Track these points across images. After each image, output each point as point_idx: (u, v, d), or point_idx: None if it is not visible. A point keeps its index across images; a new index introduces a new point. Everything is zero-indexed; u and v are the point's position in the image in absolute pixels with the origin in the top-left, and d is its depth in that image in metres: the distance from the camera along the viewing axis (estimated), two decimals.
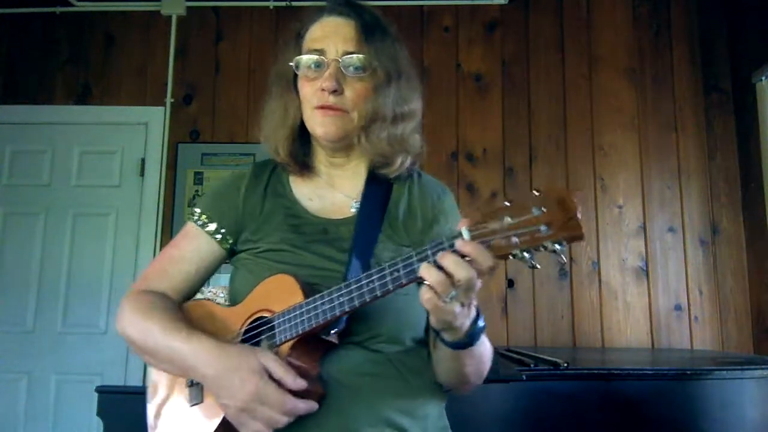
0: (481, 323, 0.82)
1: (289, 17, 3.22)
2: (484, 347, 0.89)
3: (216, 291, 2.01)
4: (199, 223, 1.04)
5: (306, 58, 0.98)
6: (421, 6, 3.19)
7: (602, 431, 1.69)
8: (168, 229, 3.05)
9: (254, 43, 3.22)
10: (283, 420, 0.82)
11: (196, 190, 3.09)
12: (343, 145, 1.01)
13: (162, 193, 3.10)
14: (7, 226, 3.12)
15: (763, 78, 2.73)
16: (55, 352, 2.99)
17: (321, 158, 1.05)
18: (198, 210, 1.05)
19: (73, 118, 3.18)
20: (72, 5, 3.24)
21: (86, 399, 2.78)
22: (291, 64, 1.00)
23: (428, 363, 0.96)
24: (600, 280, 2.93)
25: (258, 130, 1.07)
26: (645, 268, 2.93)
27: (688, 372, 1.74)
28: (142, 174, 3.13)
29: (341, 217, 1.00)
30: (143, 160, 3.14)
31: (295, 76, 1.01)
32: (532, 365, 1.80)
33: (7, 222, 3.13)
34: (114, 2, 3.25)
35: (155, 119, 3.15)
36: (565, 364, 1.73)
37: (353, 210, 1.00)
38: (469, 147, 3.06)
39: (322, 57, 0.96)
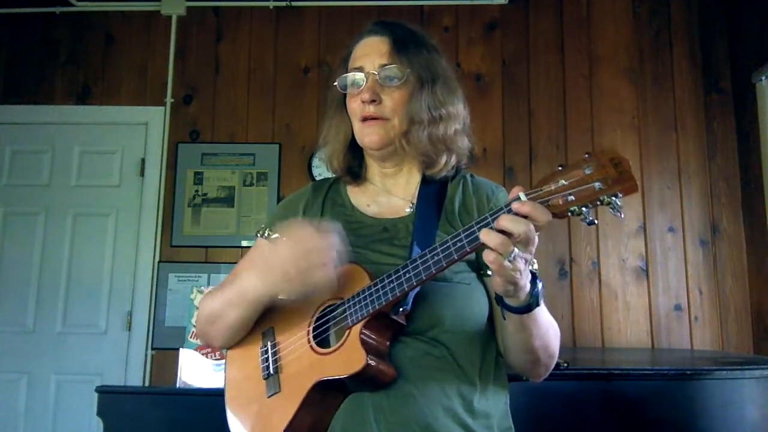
0: (539, 284, 0.87)
1: (289, 17, 3.23)
2: (548, 316, 0.94)
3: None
4: (264, 235, 1.13)
5: (348, 77, 1.07)
6: (421, 6, 3.19)
7: (602, 431, 1.69)
8: (168, 229, 3.05)
9: (254, 43, 3.22)
10: (335, 254, 0.89)
11: (196, 190, 3.09)
12: (390, 153, 1.08)
13: (162, 193, 3.10)
14: (7, 226, 3.13)
15: (763, 78, 2.73)
16: (55, 352, 2.99)
17: (374, 169, 1.14)
18: (263, 226, 1.15)
19: (73, 118, 3.18)
20: (72, 5, 3.24)
21: (86, 399, 2.79)
22: (336, 84, 1.09)
23: (491, 357, 0.99)
24: (600, 280, 2.93)
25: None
26: (645, 268, 2.93)
27: (688, 372, 1.74)
28: (142, 174, 3.13)
29: (399, 216, 1.07)
30: (143, 160, 3.14)
31: (345, 96, 1.10)
32: None
33: (7, 222, 3.13)
34: (114, 2, 3.25)
35: (155, 119, 3.15)
36: (565, 364, 1.73)
37: (408, 210, 1.07)
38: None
39: (361, 73, 1.06)
